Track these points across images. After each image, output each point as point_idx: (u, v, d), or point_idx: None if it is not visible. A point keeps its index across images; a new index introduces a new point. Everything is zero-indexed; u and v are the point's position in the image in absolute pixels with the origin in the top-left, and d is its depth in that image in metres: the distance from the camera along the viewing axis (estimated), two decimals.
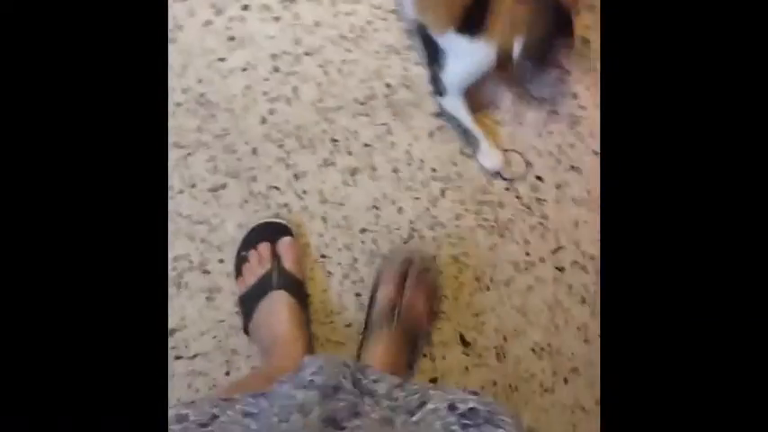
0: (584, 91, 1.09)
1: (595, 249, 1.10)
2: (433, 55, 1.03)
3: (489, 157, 1.08)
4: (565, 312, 1.11)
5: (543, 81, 1.10)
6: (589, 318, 1.11)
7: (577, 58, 1.10)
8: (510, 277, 1.11)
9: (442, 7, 0.98)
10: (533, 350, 1.13)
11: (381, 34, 1.09)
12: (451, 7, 0.97)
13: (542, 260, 1.10)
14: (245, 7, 1.08)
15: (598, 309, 1.11)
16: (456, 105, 1.06)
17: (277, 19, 1.08)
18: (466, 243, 1.11)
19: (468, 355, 1.13)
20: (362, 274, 1.11)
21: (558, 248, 1.10)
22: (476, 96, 1.08)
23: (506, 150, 1.09)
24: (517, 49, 0.97)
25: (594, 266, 1.10)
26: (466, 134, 1.08)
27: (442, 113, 1.08)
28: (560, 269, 1.11)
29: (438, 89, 1.05)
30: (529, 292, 1.11)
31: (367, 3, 1.08)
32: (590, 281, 1.10)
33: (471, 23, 0.97)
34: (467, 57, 1.00)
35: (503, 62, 0.99)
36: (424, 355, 1.11)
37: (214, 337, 1.08)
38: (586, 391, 1.13)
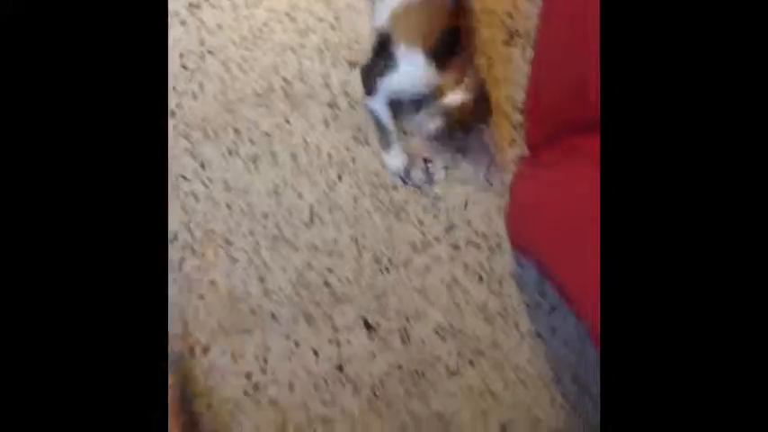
0: None
1: (486, 227, 1.14)
2: (383, 62, 1.09)
3: (396, 159, 1.13)
4: (464, 292, 1.15)
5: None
6: (488, 296, 1.14)
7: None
8: (408, 258, 1.15)
9: (420, 29, 1.05)
10: (437, 332, 1.16)
11: (277, 34, 1.16)
12: (429, 33, 1.05)
13: (437, 240, 1.15)
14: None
15: (495, 286, 1.14)
16: (382, 108, 1.11)
17: (183, 23, 1.17)
18: (363, 225, 1.15)
19: (372, 339, 1.16)
20: (265, 258, 1.16)
21: (451, 227, 1.14)
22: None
23: (425, 159, 1.15)
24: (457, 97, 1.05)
25: (487, 243, 1.14)
26: (382, 132, 1.14)
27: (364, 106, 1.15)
28: (455, 247, 1.14)
29: (369, 89, 1.11)
30: (427, 272, 1.15)
31: (263, 7, 1.16)
32: (484, 258, 1.14)
33: (441, 52, 1.05)
34: (414, 77, 1.07)
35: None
36: (329, 341, 1.15)
37: None
38: (493, 373, 1.15)
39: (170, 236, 1.16)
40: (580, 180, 0.61)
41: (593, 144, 0.73)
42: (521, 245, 1.05)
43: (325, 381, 1.14)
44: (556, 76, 0.82)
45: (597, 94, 0.54)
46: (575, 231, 0.57)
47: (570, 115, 0.75)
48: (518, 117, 1.13)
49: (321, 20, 1.16)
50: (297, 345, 1.15)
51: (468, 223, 1.14)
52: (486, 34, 1.15)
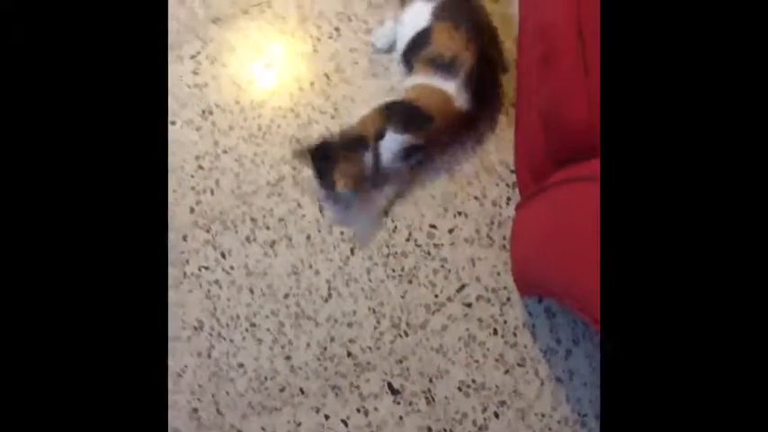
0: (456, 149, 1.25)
1: (494, 282, 1.20)
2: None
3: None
4: (481, 346, 1.19)
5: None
6: (504, 347, 1.19)
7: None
8: (424, 320, 1.21)
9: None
10: (460, 389, 1.19)
11: (283, 129, 1.28)
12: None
13: (450, 299, 1.21)
14: (173, 123, 1.29)
15: (510, 337, 1.19)
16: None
17: (198, 128, 1.29)
18: (379, 294, 1.22)
19: (398, 403, 1.20)
20: (290, 336, 1.22)
21: (462, 286, 1.21)
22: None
23: None
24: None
25: (498, 297, 1.20)
26: None
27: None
28: (468, 305, 1.20)
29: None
30: (444, 331, 1.20)
31: (269, 106, 1.29)
32: (496, 311, 1.19)
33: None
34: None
35: None
36: (357, 410, 1.19)
37: None
38: (519, 422, 1.18)
39: (196, 324, 1.22)
40: (571, 197, 0.68)
41: (576, 170, 0.82)
42: (530, 286, 1.11)
43: None
44: (530, 116, 0.93)
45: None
46: (575, 244, 0.64)
47: (547, 148, 0.84)
48: (511, 177, 1.23)
49: (322, 112, 1.28)
50: (327, 418, 1.18)
51: (478, 280, 1.21)
52: None
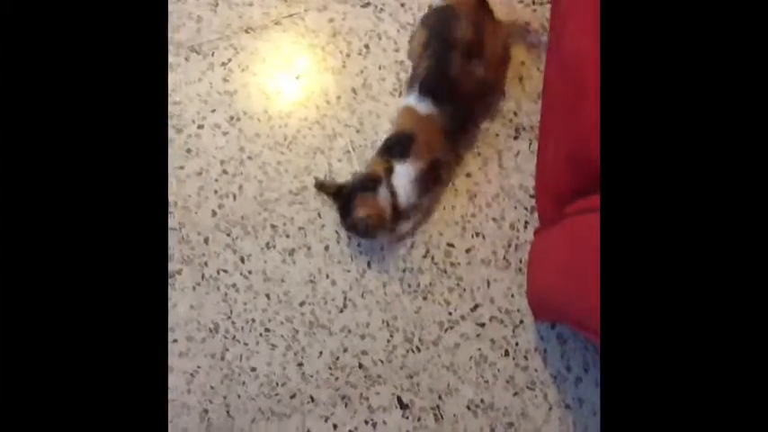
0: (476, 171, 1.27)
1: (509, 304, 1.21)
2: None
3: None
4: (491, 366, 1.21)
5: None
6: (514, 370, 1.20)
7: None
8: (437, 337, 1.22)
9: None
10: (468, 407, 1.21)
11: (308, 139, 1.30)
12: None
13: (464, 318, 1.22)
14: (200, 126, 1.32)
15: (522, 360, 1.20)
16: None
17: (225, 133, 1.31)
18: (394, 308, 1.23)
19: (407, 417, 1.21)
20: (303, 344, 1.23)
21: (476, 306, 1.22)
22: None
23: None
24: None
25: (511, 319, 1.21)
26: None
27: None
28: (481, 325, 1.21)
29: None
30: (456, 349, 1.22)
31: (295, 117, 1.31)
32: (509, 333, 1.21)
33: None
34: None
35: None
36: (365, 422, 1.20)
37: None
38: None
39: (211, 326, 1.24)
40: (591, 225, 0.70)
41: (590, 203, 0.84)
42: (545, 311, 1.12)
43: None
44: (557, 150, 0.95)
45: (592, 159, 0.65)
46: (593, 272, 0.66)
47: (567, 182, 0.86)
48: (530, 201, 1.25)
49: (347, 125, 1.30)
50: (335, 427, 1.19)
51: (492, 301, 1.22)
52: (495, 130, 1.28)
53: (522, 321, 1.22)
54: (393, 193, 1.17)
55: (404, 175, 1.17)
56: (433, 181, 1.22)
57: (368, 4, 1.34)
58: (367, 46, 1.33)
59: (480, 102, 1.27)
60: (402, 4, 1.34)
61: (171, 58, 1.34)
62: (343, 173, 1.28)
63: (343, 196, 1.18)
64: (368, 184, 1.17)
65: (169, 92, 1.32)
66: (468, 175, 1.27)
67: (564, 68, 0.93)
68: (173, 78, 1.33)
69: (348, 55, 1.33)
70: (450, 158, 1.26)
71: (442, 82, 1.17)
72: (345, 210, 1.17)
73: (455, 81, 1.16)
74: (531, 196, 1.26)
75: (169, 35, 1.34)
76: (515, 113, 1.29)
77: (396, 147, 1.18)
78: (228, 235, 1.27)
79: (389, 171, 1.17)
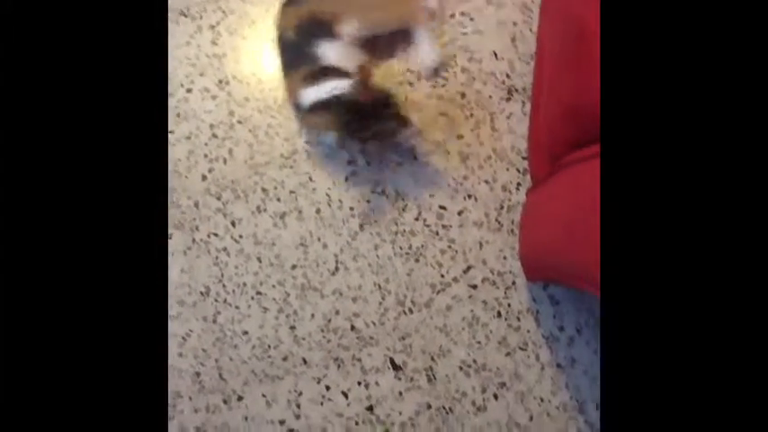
0: (468, 133, 1.26)
1: (501, 266, 1.21)
2: None
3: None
4: (484, 327, 1.21)
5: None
6: (507, 330, 1.20)
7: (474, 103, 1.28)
8: (429, 299, 1.22)
9: None
10: (461, 368, 1.21)
11: None
12: None
13: (456, 280, 1.22)
14: (189, 90, 1.30)
15: (514, 321, 1.20)
16: None
17: (214, 97, 1.30)
18: (386, 270, 1.23)
19: (400, 379, 1.21)
20: (295, 307, 1.23)
21: (469, 268, 1.22)
22: None
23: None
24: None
25: (503, 281, 1.21)
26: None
27: None
28: (473, 287, 1.21)
29: None
30: (448, 311, 1.21)
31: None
32: (501, 295, 1.21)
33: None
34: None
35: None
36: (359, 383, 1.20)
37: None
38: (518, 405, 1.19)
39: (203, 290, 1.23)
40: (586, 175, 0.70)
41: (588, 152, 0.83)
42: (539, 270, 1.12)
43: (356, 423, 1.18)
44: (552, 104, 0.94)
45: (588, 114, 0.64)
46: (585, 222, 0.65)
47: (565, 137, 0.85)
48: (522, 163, 1.24)
49: None
50: (327, 388, 1.19)
51: (484, 263, 1.22)
52: (488, 92, 1.27)
53: (514, 283, 1.22)
54: None
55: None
56: None
57: None
58: None
59: None
60: None
61: None
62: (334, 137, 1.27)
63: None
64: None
65: None
66: (461, 137, 1.26)
67: (563, 18, 0.92)
68: None
69: None
70: None
71: None
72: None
73: None
74: (524, 158, 1.25)
75: None
76: (508, 75, 1.28)
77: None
78: (219, 199, 1.26)
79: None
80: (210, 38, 1.31)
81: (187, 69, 1.30)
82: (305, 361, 1.20)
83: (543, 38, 1.11)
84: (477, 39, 1.29)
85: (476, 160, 1.25)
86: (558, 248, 0.97)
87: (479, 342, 1.20)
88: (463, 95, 1.27)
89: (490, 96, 1.27)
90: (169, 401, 1.19)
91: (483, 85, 1.28)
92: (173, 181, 1.26)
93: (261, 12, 1.33)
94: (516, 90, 1.27)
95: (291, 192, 1.26)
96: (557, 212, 0.97)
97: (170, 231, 1.24)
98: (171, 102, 1.29)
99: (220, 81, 1.30)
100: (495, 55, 1.28)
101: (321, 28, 1.18)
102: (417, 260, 1.23)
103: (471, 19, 1.29)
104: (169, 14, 1.32)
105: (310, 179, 1.26)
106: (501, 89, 1.28)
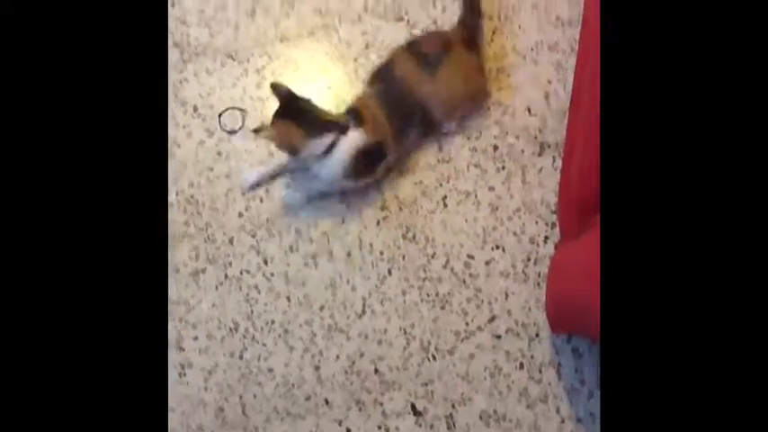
0: (499, 185, 1.30)
1: (525, 316, 1.23)
2: None
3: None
4: (506, 378, 1.21)
5: None
6: (528, 382, 1.21)
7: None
8: (453, 346, 1.23)
9: None
10: (481, 417, 1.21)
11: None
12: None
13: (480, 329, 1.23)
14: (231, 131, 1.36)
15: (536, 373, 1.20)
16: None
17: (256, 138, 1.35)
18: (412, 315, 1.25)
19: (420, 425, 1.22)
20: (321, 347, 1.25)
21: (493, 317, 1.23)
22: None
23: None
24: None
25: (527, 332, 1.22)
26: None
27: None
28: (497, 336, 1.23)
29: None
30: (471, 359, 1.23)
31: None
32: (525, 346, 1.22)
33: None
34: None
35: None
36: (379, 427, 1.21)
37: (182, 413, 1.22)
38: None
39: (231, 325, 1.26)
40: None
41: None
42: (566, 322, 1.13)
43: None
44: (584, 162, 0.97)
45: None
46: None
47: (596, 195, 0.88)
48: (551, 217, 1.26)
49: None
50: (348, 431, 1.20)
51: (509, 313, 1.23)
52: (520, 146, 1.31)
53: (537, 335, 1.23)
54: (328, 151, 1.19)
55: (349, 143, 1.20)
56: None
57: (401, 19, 1.38)
58: None
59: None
60: (434, 21, 1.38)
61: (207, 63, 1.38)
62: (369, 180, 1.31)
63: (291, 109, 1.19)
64: (317, 124, 1.19)
65: (204, 95, 1.37)
66: (492, 188, 1.29)
67: (594, 78, 0.95)
68: (209, 82, 1.37)
69: None
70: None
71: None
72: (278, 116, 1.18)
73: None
74: (553, 212, 1.27)
75: (207, 41, 1.39)
76: (540, 130, 1.31)
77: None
78: (253, 236, 1.30)
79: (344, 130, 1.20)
80: (256, 81, 1.37)
81: (230, 110, 1.36)
82: (327, 401, 1.22)
83: (576, 94, 1.14)
84: (512, 94, 1.34)
85: (505, 211, 1.28)
86: (584, 303, 0.99)
87: (500, 392, 1.21)
88: (496, 148, 1.31)
89: (522, 150, 1.31)
90: None
91: (516, 139, 1.31)
92: (210, 217, 1.30)
93: (305, 58, 1.38)
94: (548, 145, 1.30)
95: (324, 233, 1.29)
96: (585, 268, 0.99)
97: (203, 266, 1.28)
98: (212, 140, 1.35)
99: (263, 123, 1.35)
100: (529, 110, 1.32)
101: None
102: (443, 307, 1.25)
103: (507, 75, 1.34)
104: (217, 57, 1.38)
105: (343, 221, 1.29)
106: (533, 143, 1.31)
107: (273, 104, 1.35)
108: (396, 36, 1.36)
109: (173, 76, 1.37)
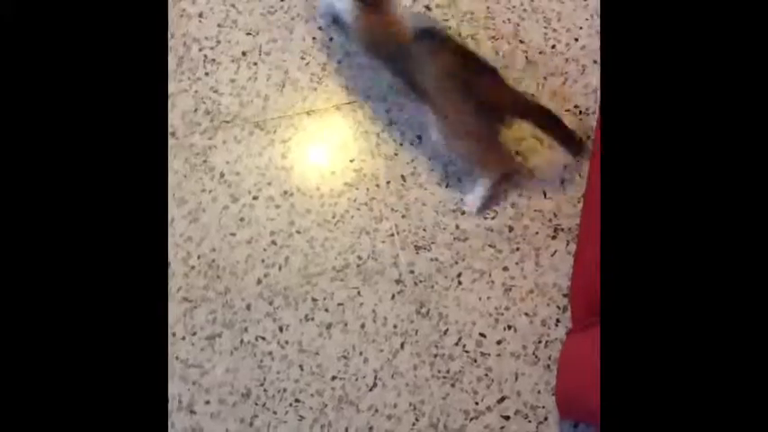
0: (513, 266, 1.33)
1: (535, 399, 1.24)
2: None
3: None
4: None
5: None
6: None
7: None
8: (462, 425, 1.24)
9: None
10: None
11: (356, 220, 1.37)
12: None
13: (489, 409, 1.24)
14: (255, 197, 1.40)
15: None
16: None
17: (278, 206, 1.39)
18: (422, 392, 1.26)
19: None
20: (331, 418, 1.26)
21: (503, 398, 1.24)
22: None
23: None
24: None
25: (536, 415, 1.23)
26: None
27: None
28: (506, 417, 1.23)
29: None
30: None
31: (345, 197, 1.39)
32: (533, 429, 1.22)
33: None
34: None
35: None
36: None
37: None
38: None
39: (244, 391, 1.28)
40: None
41: None
42: (575, 411, 1.14)
43: None
44: (596, 255, 1.00)
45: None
46: None
47: None
48: (563, 300, 1.29)
49: (394, 210, 1.37)
50: None
51: (519, 395, 1.24)
52: (535, 228, 1.34)
53: (546, 418, 1.23)
54: None
55: None
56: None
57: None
58: (419, 137, 1.42)
59: None
60: None
61: (236, 132, 1.44)
62: (384, 255, 1.34)
63: None
64: None
65: (231, 162, 1.42)
66: (506, 269, 1.32)
67: None
68: (236, 150, 1.42)
69: (401, 144, 1.42)
70: None
71: None
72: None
73: None
74: (565, 295, 1.30)
75: (237, 110, 1.45)
76: (555, 215, 1.35)
77: None
78: (270, 304, 1.33)
79: None
80: (281, 151, 1.42)
81: (256, 178, 1.41)
82: None
83: (592, 187, 1.18)
84: (529, 177, 1.38)
85: (518, 293, 1.31)
86: (591, 395, 1.00)
87: None
88: (511, 229, 1.34)
89: (537, 233, 1.34)
90: None
91: (531, 222, 1.35)
92: (229, 282, 1.34)
93: (330, 131, 1.44)
94: (562, 229, 1.34)
95: (339, 304, 1.32)
96: (595, 364, 1.01)
97: (220, 330, 1.31)
98: (236, 206, 1.39)
99: (285, 192, 1.39)
100: (545, 194, 1.36)
101: None
102: (453, 385, 1.26)
103: (525, 158, 1.38)
104: (246, 126, 1.44)
105: (359, 293, 1.32)
106: (548, 227, 1.34)
107: (297, 175, 1.41)
108: (419, 114, 1.42)
109: (202, 142, 1.43)
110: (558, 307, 1.29)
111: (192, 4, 1.54)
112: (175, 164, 1.42)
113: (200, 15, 1.54)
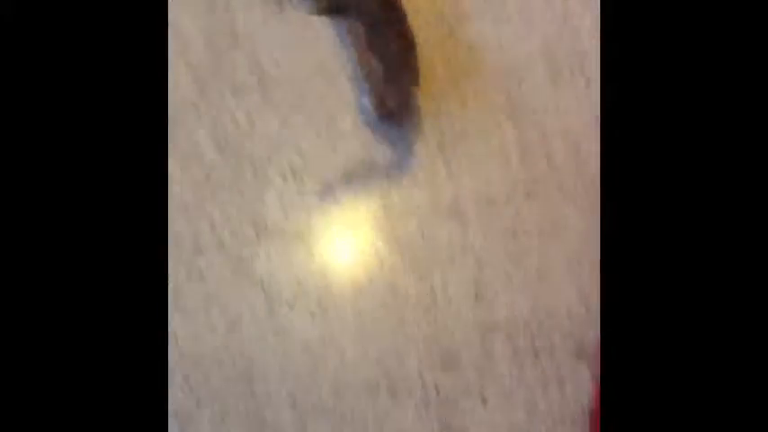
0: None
1: None
2: None
3: None
4: None
5: None
6: None
7: None
8: None
9: None
10: None
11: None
12: None
13: None
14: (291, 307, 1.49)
15: None
16: None
17: (313, 315, 1.47)
18: None
19: None
20: None
21: None
22: None
23: None
24: None
25: None
26: None
27: None
28: None
29: None
30: None
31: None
32: None
33: None
34: None
35: None
36: None
37: None
38: None
39: None
40: None
41: None
42: None
43: None
44: None
45: None
46: None
47: None
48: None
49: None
50: None
51: None
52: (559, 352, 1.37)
53: None
54: None
55: None
56: None
57: None
58: None
59: None
60: None
61: (278, 244, 1.53)
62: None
63: None
64: None
65: (272, 272, 1.51)
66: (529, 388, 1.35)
67: None
68: (276, 261, 1.52)
69: None
70: None
71: None
72: None
73: None
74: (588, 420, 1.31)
75: (283, 224, 1.55)
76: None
77: None
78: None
79: None
80: (320, 263, 1.51)
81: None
82: None
83: None
84: None
85: (541, 416, 1.33)
86: None
87: None
88: (537, 354, 1.38)
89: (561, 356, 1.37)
90: None
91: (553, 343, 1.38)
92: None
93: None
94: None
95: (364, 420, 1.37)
96: None
97: None
98: (275, 317, 1.47)
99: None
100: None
101: None
102: None
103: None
104: (286, 238, 1.54)
105: (386, 413, 1.37)
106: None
107: (333, 284, 1.48)
108: None
109: (246, 252, 1.53)
110: None
111: None
112: None
113: None
